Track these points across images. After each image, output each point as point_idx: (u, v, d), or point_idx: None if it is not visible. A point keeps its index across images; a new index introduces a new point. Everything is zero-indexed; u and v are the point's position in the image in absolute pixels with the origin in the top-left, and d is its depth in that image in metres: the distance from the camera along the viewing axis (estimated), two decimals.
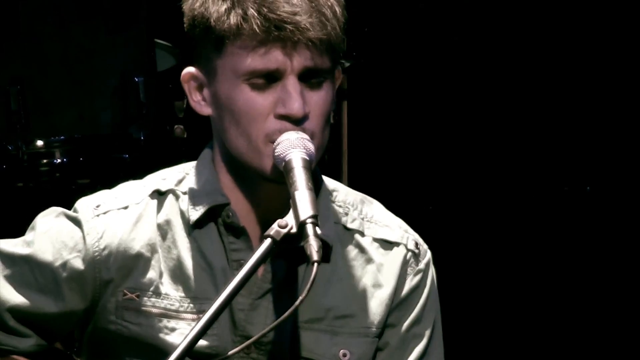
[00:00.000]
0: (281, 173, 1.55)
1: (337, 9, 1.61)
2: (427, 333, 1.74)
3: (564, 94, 5.37)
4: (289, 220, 1.47)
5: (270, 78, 1.57)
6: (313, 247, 1.42)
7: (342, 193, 1.78)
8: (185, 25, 1.67)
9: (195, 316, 1.64)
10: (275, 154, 1.55)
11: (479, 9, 5.34)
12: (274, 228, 1.46)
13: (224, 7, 1.56)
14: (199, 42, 1.62)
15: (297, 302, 1.41)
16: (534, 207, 5.36)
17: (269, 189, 1.63)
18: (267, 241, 1.46)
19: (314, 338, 1.67)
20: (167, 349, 1.61)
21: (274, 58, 1.55)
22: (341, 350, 1.68)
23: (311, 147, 1.55)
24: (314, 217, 1.44)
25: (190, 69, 1.66)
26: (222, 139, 1.65)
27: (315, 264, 1.40)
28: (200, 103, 1.66)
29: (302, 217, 1.44)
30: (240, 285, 1.47)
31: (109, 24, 3.87)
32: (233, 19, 1.55)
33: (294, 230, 1.46)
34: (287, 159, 1.54)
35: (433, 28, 5.35)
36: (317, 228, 1.43)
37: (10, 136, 3.95)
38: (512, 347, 5.12)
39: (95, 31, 3.91)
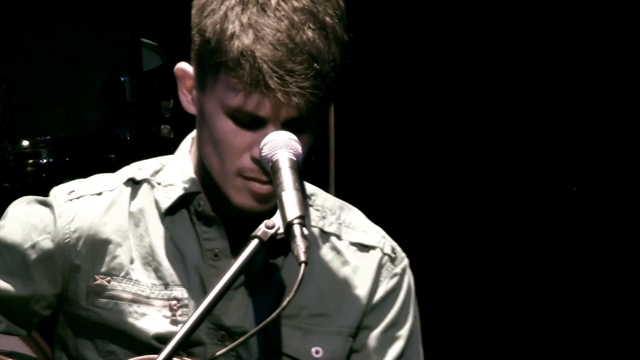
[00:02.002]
0: (246, 210, 1.55)
1: (339, 59, 1.58)
2: (405, 335, 1.75)
3: (550, 94, 5.38)
4: (276, 220, 1.47)
5: (254, 120, 1.56)
6: (300, 247, 1.42)
7: (320, 198, 1.79)
8: (192, 21, 1.64)
9: (165, 302, 1.64)
10: (262, 154, 1.55)
11: (466, 10, 5.35)
12: (261, 229, 1.46)
13: (232, 30, 1.52)
14: (198, 52, 1.60)
15: (285, 303, 1.41)
16: (521, 207, 5.37)
17: (238, 210, 1.63)
18: (254, 242, 1.46)
19: (287, 334, 1.68)
20: (137, 334, 1.62)
21: (263, 106, 1.55)
22: (313, 348, 1.70)
23: (298, 147, 1.55)
24: (301, 217, 1.44)
25: (187, 67, 1.64)
26: (199, 144, 1.64)
27: (303, 265, 1.40)
28: (188, 100, 1.65)
29: (289, 218, 1.44)
30: (229, 284, 1.47)
31: (95, 23, 3.84)
32: (232, 53, 1.52)
33: (281, 230, 1.46)
34: (274, 159, 1.53)
35: (421, 29, 5.36)
36: (304, 229, 1.43)
37: None
38: (500, 348, 5.12)
39: (81, 31, 3.89)
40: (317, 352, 1.70)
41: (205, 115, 1.60)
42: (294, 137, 1.55)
